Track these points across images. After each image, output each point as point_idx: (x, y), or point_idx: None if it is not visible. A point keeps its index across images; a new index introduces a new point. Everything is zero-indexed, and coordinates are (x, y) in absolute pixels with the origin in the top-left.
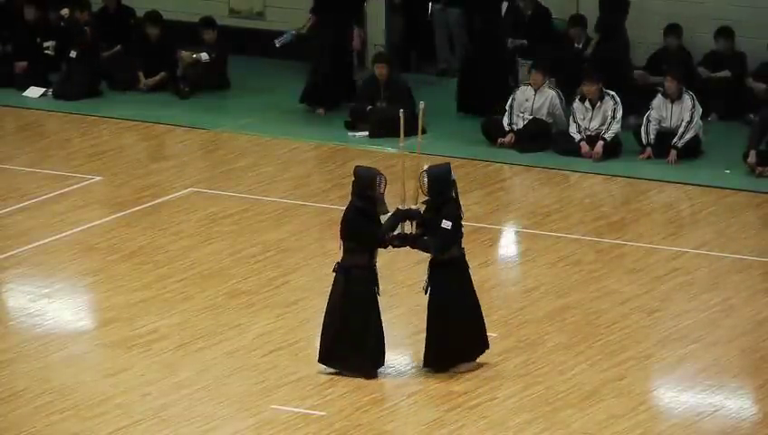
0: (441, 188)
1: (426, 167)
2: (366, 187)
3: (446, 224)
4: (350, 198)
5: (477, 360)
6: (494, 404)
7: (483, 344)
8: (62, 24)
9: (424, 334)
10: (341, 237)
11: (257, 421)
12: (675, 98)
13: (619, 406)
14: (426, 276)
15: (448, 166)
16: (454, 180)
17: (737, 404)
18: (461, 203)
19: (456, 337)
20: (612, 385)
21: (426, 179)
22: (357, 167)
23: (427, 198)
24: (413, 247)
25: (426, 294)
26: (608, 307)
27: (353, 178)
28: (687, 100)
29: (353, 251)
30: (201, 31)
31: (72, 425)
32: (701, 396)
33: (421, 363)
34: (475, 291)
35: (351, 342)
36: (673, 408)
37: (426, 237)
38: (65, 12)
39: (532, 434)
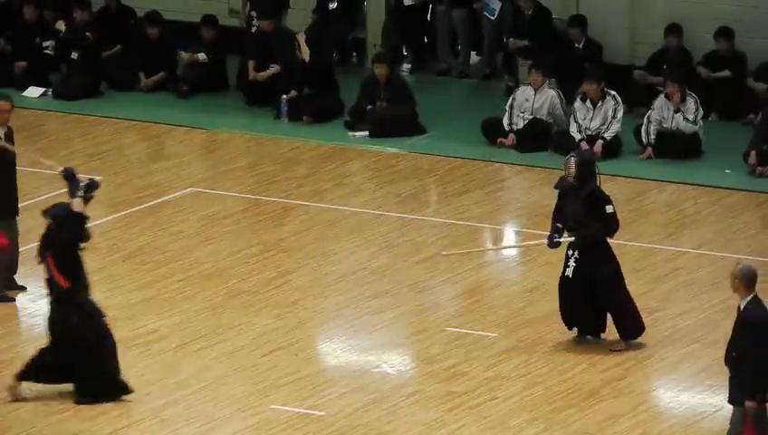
0: (588, 173)
1: (572, 153)
2: None
3: (610, 208)
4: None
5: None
6: (494, 404)
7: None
8: (60, 35)
9: (424, 334)
10: None
11: (257, 421)
12: (677, 102)
13: (619, 406)
14: (569, 260)
15: (592, 151)
16: (597, 167)
17: None
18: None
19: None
20: (612, 385)
21: (573, 163)
22: None
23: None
24: (580, 246)
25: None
26: None
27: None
28: (691, 102)
29: None
30: (201, 29)
31: (72, 425)
32: (701, 396)
33: (421, 364)
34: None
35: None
36: (673, 408)
37: (583, 231)
38: (61, 25)
39: (532, 434)
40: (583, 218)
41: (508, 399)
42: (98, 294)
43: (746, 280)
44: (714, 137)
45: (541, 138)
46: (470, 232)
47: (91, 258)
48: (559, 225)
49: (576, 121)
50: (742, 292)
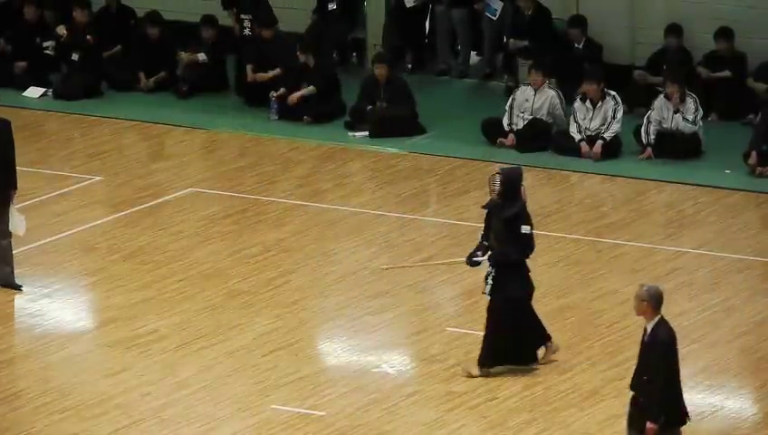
0: (512, 192)
1: (498, 169)
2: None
3: (525, 229)
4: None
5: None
6: (494, 404)
7: (541, 339)
8: (61, 39)
9: (424, 334)
10: None
11: (257, 421)
12: (677, 102)
13: (619, 406)
14: (488, 277)
15: (521, 169)
16: (523, 186)
17: (737, 404)
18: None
19: (509, 337)
20: (612, 385)
21: (498, 181)
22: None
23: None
24: (494, 265)
25: (487, 296)
26: (608, 307)
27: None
28: (690, 103)
29: None
30: (201, 29)
31: (72, 425)
32: (701, 396)
33: (421, 364)
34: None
35: None
36: None
37: (497, 250)
38: (62, 29)
39: (532, 434)
40: (503, 237)
41: (508, 399)
42: (98, 294)
43: (654, 302)
44: (714, 137)
45: (541, 138)
46: (470, 232)
47: (91, 258)
48: (485, 243)
49: (576, 122)
50: (649, 314)
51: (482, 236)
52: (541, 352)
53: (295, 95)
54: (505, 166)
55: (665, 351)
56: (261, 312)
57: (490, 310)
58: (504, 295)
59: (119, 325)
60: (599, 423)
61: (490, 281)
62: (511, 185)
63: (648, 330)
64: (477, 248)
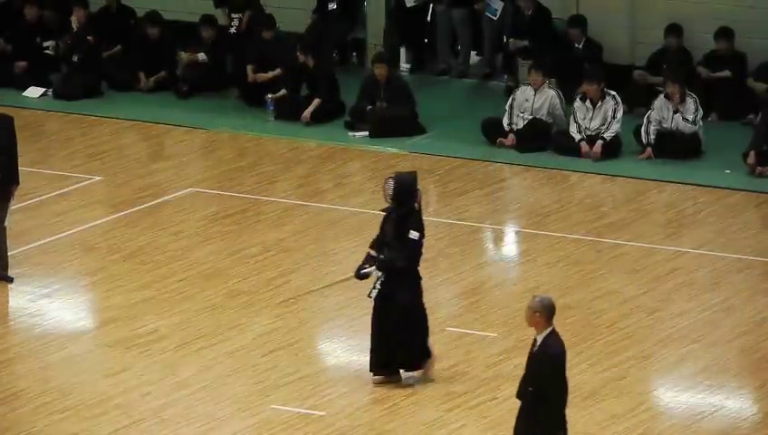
0: (405, 197)
1: (393, 173)
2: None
3: (414, 235)
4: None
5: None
6: (494, 404)
7: (424, 354)
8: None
9: None
10: None
11: (257, 421)
12: (677, 102)
13: (619, 406)
14: (377, 282)
15: (415, 175)
16: (418, 191)
17: (737, 404)
18: (422, 217)
19: (400, 344)
20: (612, 385)
21: (391, 186)
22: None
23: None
24: (380, 269)
25: (371, 298)
26: (608, 307)
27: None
28: (690, 103)
29: None
30: (201, 28)
31: (72, 425)
32: (701, 396)
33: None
34: (423, 304)
35: None
36: (673, 408)
37: (383, 256)
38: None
39: None
40: (393, 243)
41: (508, 399)
42: (98, 294)
43: (547, 313)
44: (714, 137)
45: (541, 138)
46: (470, 232)
47: (91, 258)
48: (372, 253)
49: (576, 121)
50: (541, 325)
51: (371, 247)
52: (422, 368)
53: (308, 111)
54: (401, 171)
55: (553, 363)
56: (261, 312)
57: (376, 315)
58: (393, 303)
59: (119, 325)
60: (599, 423)
61: (377, 286)
62: (403, 190)
63: (539, 341)
64: (365, 261)
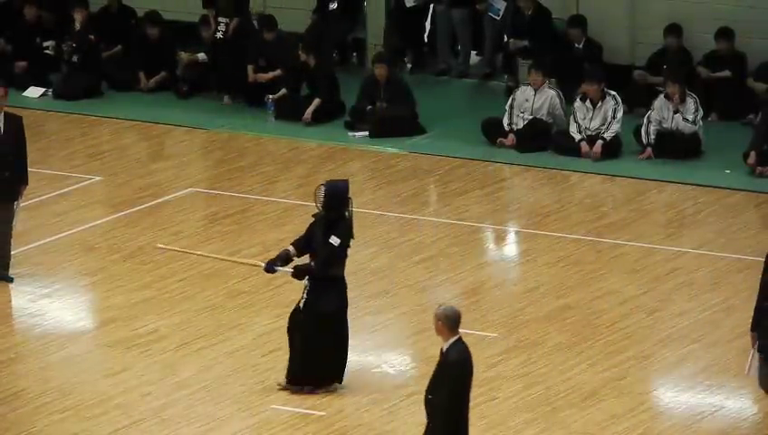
0: (336, 204)
1: (324, 181)
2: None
3: (334, 240)
4: (354, 198)
5: (327, 388)
6: (494, 404)
7: (337, 374)
8: (71, 45)
9: (424, 334)
10: None
11: (257, 421)
12: (677, 102)
13: (619, 406)
14: (304, 292)
15: (347, 183)
16: (350, 199)
17: (737, 404)
18: (353, 225)
19: (316, 358)
20: (612, 385)
21: (322, 193)
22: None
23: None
24: (294, 276)
25: (301, 308)
26: (608, 307)
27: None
28: (690, 103)
29: None
30: (201, 28)
31: (72, 425)
32: (701, 396)
33: (421, 364)
34: (346, 318)
35: None
36: (673, 408)
37: (302, 265)
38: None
39: (532, 434)
40: (320, 249)
41: (508, 399)
42: (98, 294)
43: (450, 322)
44: (714, 137)
45: (541, 138)
46: (470, 232)
47: (92, 258)
48: (289, 250)
49: (576, 122)
50: (445, 334)
51: (291, 244)
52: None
53: (309, 111)
54: (335, 179)
55: (453, 372)
56: (261, 312)
57: (301, 324)
58: (316, 311)
59: (119, 325)
60: (599, 423)
61: (305, 295)
62: (333, 198)
63: (444, 350)
64: (278, 257)
